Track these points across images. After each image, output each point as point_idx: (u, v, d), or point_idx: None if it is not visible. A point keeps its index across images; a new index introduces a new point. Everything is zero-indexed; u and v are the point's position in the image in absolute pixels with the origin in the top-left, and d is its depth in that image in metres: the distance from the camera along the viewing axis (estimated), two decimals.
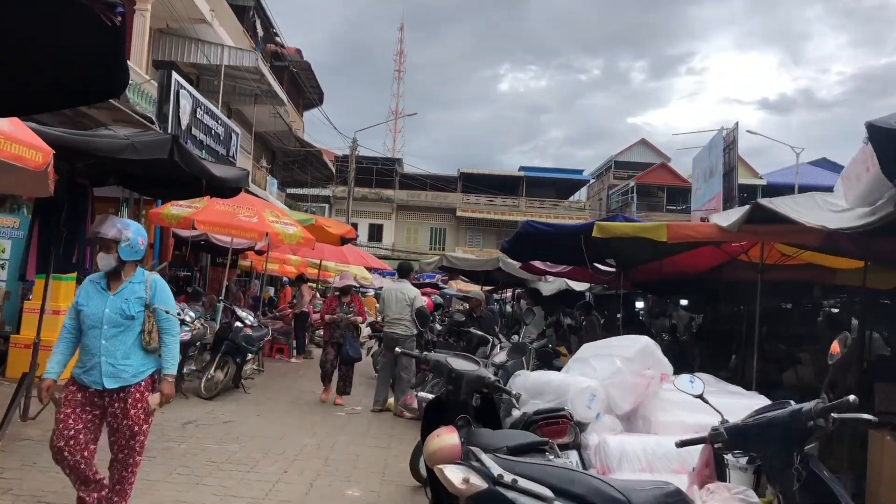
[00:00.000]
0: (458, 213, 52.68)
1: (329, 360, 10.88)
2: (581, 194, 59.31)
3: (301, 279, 16.99)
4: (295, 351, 16.42)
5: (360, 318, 10.99)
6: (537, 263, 12.46)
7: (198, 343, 10.33)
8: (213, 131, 16.23)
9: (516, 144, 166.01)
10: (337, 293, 11.20)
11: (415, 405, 10.14)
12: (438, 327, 12.34)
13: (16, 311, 9.33)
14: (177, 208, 11.29)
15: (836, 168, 50.35)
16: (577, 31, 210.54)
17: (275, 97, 25.70)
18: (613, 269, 10.54)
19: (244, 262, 22.65)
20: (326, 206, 51.44)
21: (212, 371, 10.15)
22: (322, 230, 13.54)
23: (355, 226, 45.26)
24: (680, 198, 52.00)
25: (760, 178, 51.04)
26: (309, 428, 8.89)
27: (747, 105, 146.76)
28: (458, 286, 26.74)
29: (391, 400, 10.34)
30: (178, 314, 9.05)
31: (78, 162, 6.54)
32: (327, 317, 10.89)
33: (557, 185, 53.81)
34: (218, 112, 16.77)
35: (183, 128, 14.17)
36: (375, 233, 52.46)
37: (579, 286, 14.52)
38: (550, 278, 14.60)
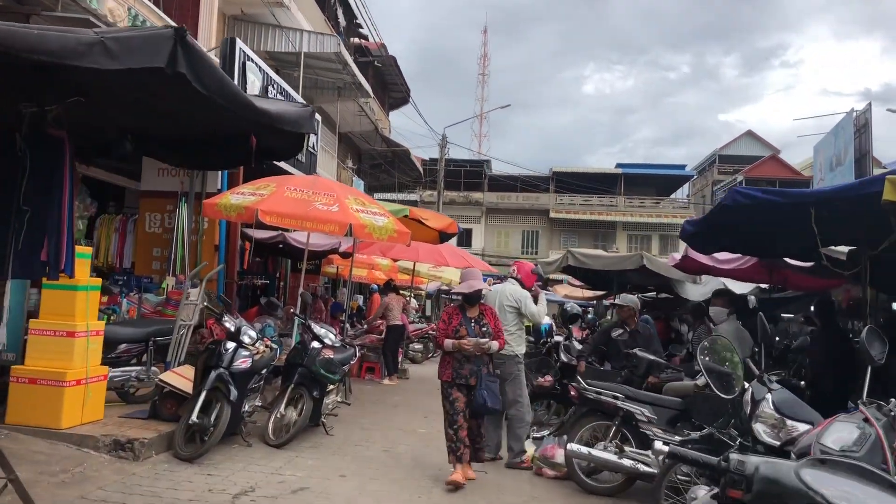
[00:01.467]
0: (552, 215, 49.50)
1: (458, 413, 6.61)
2: (682, 192, 55.13)
3: (389, 287, 14.33)
4: (387, 371, 13.75)
5: (497, 344, 6.74)
6: (701, 258, 9.35)
7: (264, 371, 7.75)
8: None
9: (603, 146, 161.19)
10: (458, 303, 7.12)
11: (560, 459, 7.39)
12: (578, 345, 9.41)
13: (19, 333, 6.90)
14: (236, 196, 8.76)
15: None
16: (663, 26, 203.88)
17: (359, 89, 23.30)
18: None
19: (329, 268, 20.35)
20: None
21: (282, 408, 7.53)
22: (416, 225, 10.83)
23: None
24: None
25: (883, 167, 46.12)
26: (415, 492, 6.15)
27: (848, 97, 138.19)
28: (566, 291, 23.69)
29: (530, 450, 7.46)
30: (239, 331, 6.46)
31: (46, 95, 3.97)
32: (448, 342, 6.62)
33: (657, 183, 49.97)
34: (295, 94, 14.33)
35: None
36: (464, 238, 49.75)
37: (740, 287, 11.33)
38: (704, 278, 11.48)
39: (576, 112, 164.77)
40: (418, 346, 17.76)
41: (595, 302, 22.49)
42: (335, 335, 8.22)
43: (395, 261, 18.63)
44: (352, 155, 30.06)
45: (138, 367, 8.04)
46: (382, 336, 14.28)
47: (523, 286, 7.70)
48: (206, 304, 7.11)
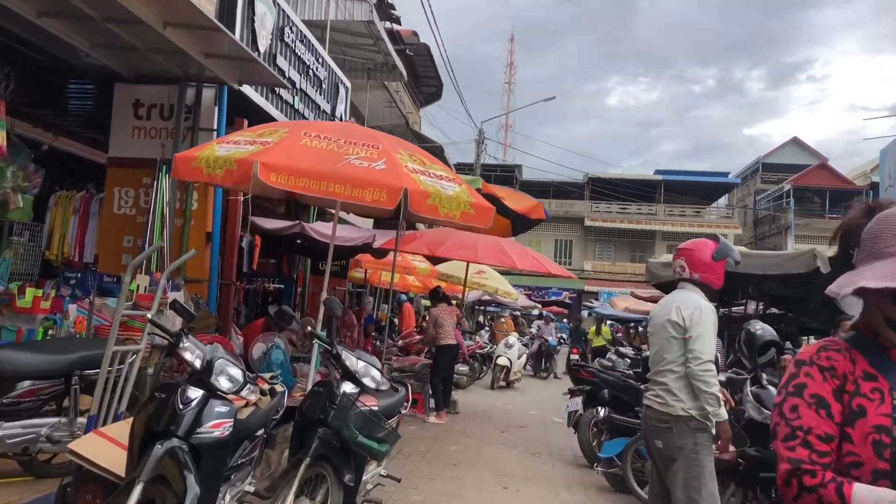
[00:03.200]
0: (587, 223, 45.96)
1: None
2: (722, 201, 51.35)
3: (438, 295, 10.89)
4: (432, 402, 10.39)
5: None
6: None
7: (260, 432, 4.39)
8: (311, 71, 10.52)
9: (627, 159, 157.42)
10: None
11: None
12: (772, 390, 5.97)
13: None
14: (225, 147, 5.51)
15: None
16: (689, 40, 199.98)
17: (392, 71, 20.07)
18: None
19: (356, 272, 17.08)
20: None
21: (289, 498, 4.16)
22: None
23: None
24: (844, 202, 43.65)
25: None
26: None
27: (875, 111, 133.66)
28: (627, 304, 20.22)
29: None
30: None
31: None
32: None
33: (699, 190, 46.29)
34: (320, 48, 11.07)
35: (261, 50, 8.44)
36: None
37: None
38: None
39: (600, 124, 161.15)
40: (463, 368, 14.38)
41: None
42: (380, 370, 4.83)
43: (436, 263, 15.30)
44: None
45: (53, 420, 4.75)
46: (427, 356, 10.95)
47: (705, 289, 4.23)
48: (150, 317, 3.82)
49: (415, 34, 27.99)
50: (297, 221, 9.94)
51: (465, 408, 11.65)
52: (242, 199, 8.49)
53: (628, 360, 13.88)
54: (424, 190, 5.31)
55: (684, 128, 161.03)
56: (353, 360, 4.58)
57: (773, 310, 12.69)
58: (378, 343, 12.46)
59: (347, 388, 4.48)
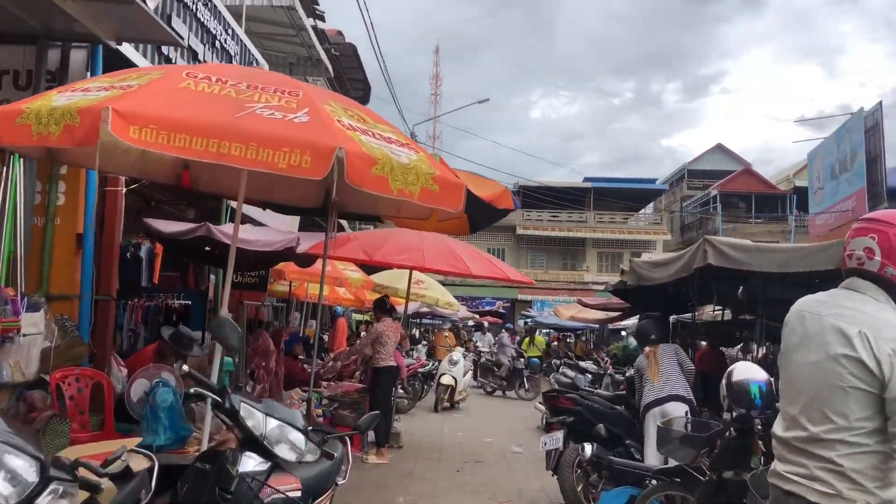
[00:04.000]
0: (519, 231, 44.75)
1: None
2: (650, 207, 51.00)
3: (384, 308, 9.03)
4: (370, 438, 8.58)
5: None
6: None
7: None
8: (218, 42, 8.63)
9: (550, 171, 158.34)
10: None
11: None
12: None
13: None
14: (65, 96, 3.66)
15: None
16: (608, 54, 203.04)
17: (317, 65, 18.28)
18: None
19: (279, 285, 15.16)
20: (371, 226, 43.83)
21: None
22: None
23: None
24: (768, 206, 43.81)
25: None
26: None
27: (784, 122, 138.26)
28: (573, 313, 18.77)
29: None
30: None
31: None
32: None
33: (628, 197, 45.70)
34: (231, 18, 9.18)
35: (149, 4, 6.51)
36: None
37: None
38: None
39: (524, 136, 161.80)
40: (401, 391, 12.59)
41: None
42: (303, 429, 3.03)
43: (370, 272, 13.50)
44: None
45: None
46: (365, 381, 9.15)
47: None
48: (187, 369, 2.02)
49: (340, 34, 26.15)
50: (203, 223, 8.00)
51: (410, 439, 9.86)
52: (124, 190, 6.57)
53: (589, 376, 12.36)
54: (368, 154, 3.55)
55: (605, 139, 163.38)
56: (258, 419, 2.78)
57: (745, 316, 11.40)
58: (307, 366, 10.61)
59: (250, 463, 2.68)
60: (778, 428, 2.44)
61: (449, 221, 7.12)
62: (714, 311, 13.75)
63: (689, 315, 15.86)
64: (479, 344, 19.50)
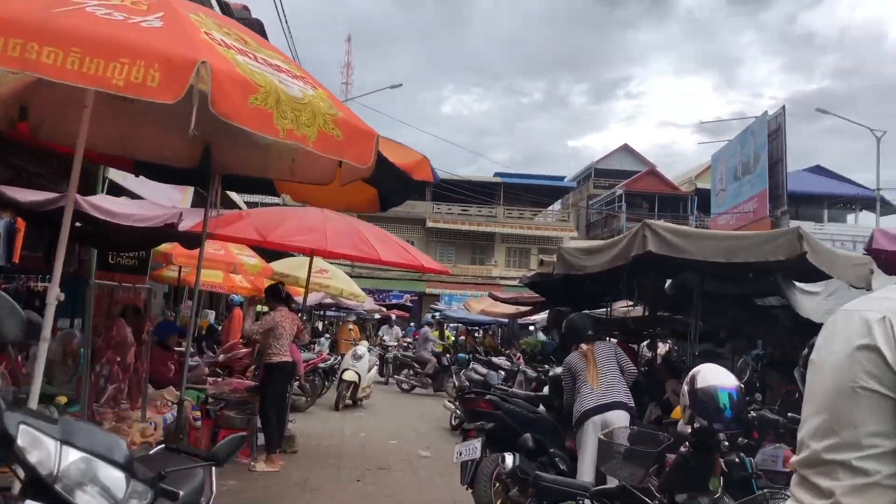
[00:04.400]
0: (429, 224, 44.01)
1: None
2: (558, 204, 51.25)
3: (278, 296, 7.93)
4: (266, 444, 7.52)
5: None
6: None
7: None
8: None
9: (461, 166, 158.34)
10: None
11: None
12: None
13: None
14: None
15: (829, 175, 43.98)
16: (519, 54, 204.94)
17: None
18: None
19: (168, 271, 13.84)
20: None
21: None
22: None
23: None
24: (670, 207, 44.69)
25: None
26: None
27: (683, 128, 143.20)
28: (484, 307, 18.07)
29: None
30: None
31: None
32: None
33: (537, 193, 45.69)
34: None
35: None
36: None
37: None
38: (835, 283, 6.24)
39: (435, 131, 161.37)
40: (297, 388, 11.54)
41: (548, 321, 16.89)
42: (123, 456, 2.06)
43: (271, 259, 12.38)
44: None
45: None
46: (258, 378, 8.09)
47: None
48: None
49: (246, 8, 24.59)
50: (65, 193, 6.72)
51: (306, 442, 8.86)
52: None
53: (502, 373, 11.63)
54: (245, 77, 2.59)
55: (514, 138, 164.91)
56: (48, 451, 1.79)
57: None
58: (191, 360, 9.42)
59: None
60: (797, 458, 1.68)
61: (356, 196, 6.20)
62: (627, 306, 13.31)
63: (601, 311, 15.49)
64: (385, 338, 18.52)
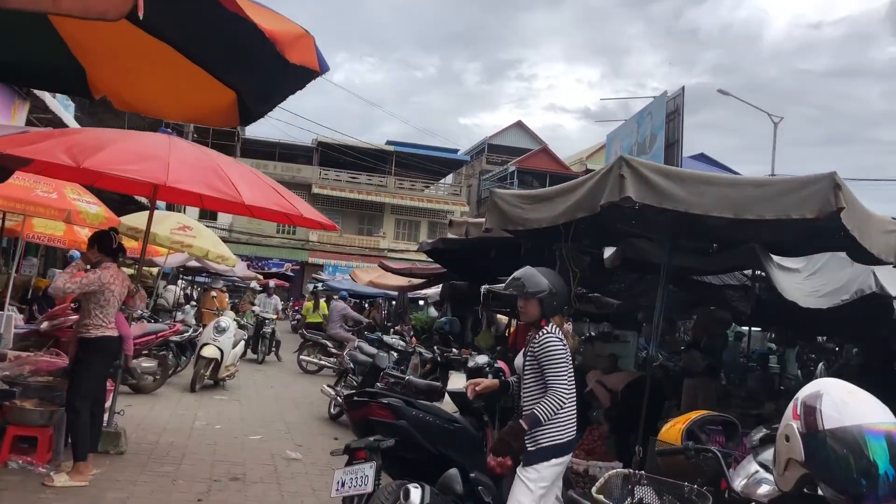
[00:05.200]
0: (315, 190, 41.50)
1: None
2: (450, 177, 49.78)
3: (105, 245, 5.72)
4: (72, 446, 5.44)
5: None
6: None
7: None
8: None
9: (351, 136, 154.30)
10: None
11: None
12: None
13: None
14: None
15: (713, 164, 44.70)
16: (415, 26, 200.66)
17: None
18: None
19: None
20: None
21: None
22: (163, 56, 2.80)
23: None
24: (559, 184, 44.13)
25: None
26: None
27: (571, 113, 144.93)
28: (373, 278, 16.21)
29: None
30: None
31: None
32: None
33: (430, 165, 44.00)
34: None
35: None
36: (209, 211, 40.05)
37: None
38: (819, 260, 4.89)
39: (325, 100, 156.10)
40: (149, 364, 9.37)
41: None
42: None
43: (122, 212, 10.10)
44: None
45: None
46: (70, 357, 5.95)
47: None
48: None
49: None
50: None
51: (141, 437, 6.83)
52: None
53: (395, 354, 9.86)
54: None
55: (407, 112, 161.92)
56: None
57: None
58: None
59: None
60: None
61: (205, 102, 4.29)
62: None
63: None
64: (258, 308, 16.19)
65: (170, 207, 19.54)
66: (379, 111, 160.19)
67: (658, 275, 6.70)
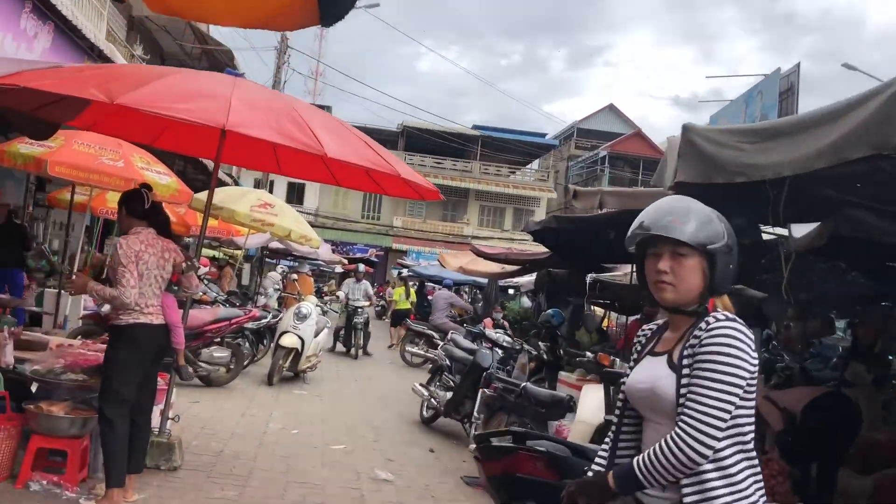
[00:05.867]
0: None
1: None
2: (537, 163, 47.83)
3: (136, 205, 4.45)
4: (105, 465, 4.22)
5: None
6: None
7: None
8: None
9: (439, 117, 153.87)
10: None
11: None
12: None
13: None
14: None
15: None
16: (500, 13, 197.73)
17: None
18: None
19: (65, 194, 10.72)
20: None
21: None
22: None
23: (271, 185, 32.59)
24: (653, 171, 41.68)
25: None
26: None
27: (659, 100, 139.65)
28: (464, 263, 14.84)
29: None
30: None
31: None
32: None
33: (517, 150, 42.24)
34: None
35: None
36: (296, 194, 39.67)
37: None
38: None
39: (410, 89, 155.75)
40: (221, 354, 8.24)
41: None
42: None
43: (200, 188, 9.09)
44: (151, 52, 19.47)
45: None
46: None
47: None
48: None
49: None
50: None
51: (203, 443, 5.67)
52: None
53: (499, 352, 8.39)
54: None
55: (490, 99, 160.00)
56: None
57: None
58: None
59: None
60: None
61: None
62: (632, 270, 10.31)
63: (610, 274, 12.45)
64: (346, 293, 14.33)
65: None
66: (463, 99, 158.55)
67: (851, 259, 5.09)
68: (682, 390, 1.82)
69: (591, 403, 4.89)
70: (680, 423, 1.76)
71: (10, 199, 10.66)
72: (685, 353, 1.86)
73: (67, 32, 8.38)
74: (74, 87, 3.87)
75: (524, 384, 5.51)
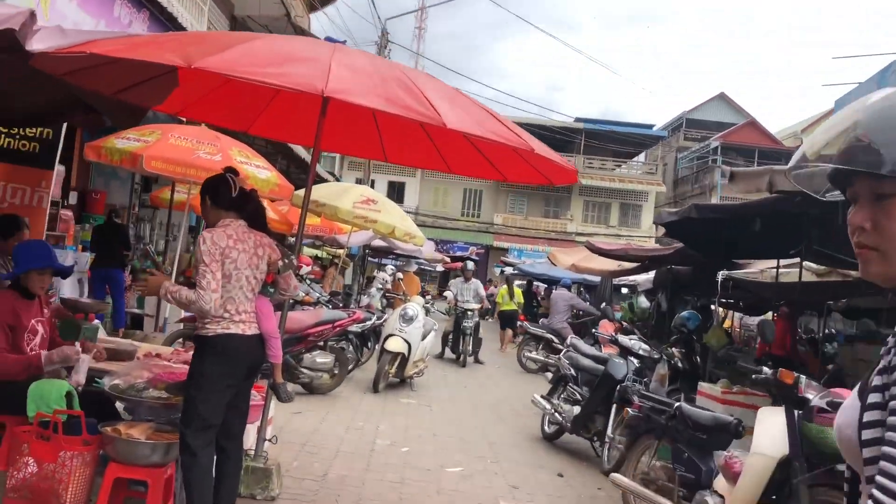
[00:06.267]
0: None
1: None
2: (643, 156, 45.82)
3: (222, 193, 3.78)
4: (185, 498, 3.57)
5: None
6: None
7: None
8: None
9: (544, 108, 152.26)
10: None
11: None
12: None
13: None
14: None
15: None
16: (599, 5, 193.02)
17: None
18: None
19: (164, 193, 10.50)
20: (337, 156, 38.42)
21: None
22: None
23: (372, 183, 32.37)
24: (769, 162, 39.02)
25: None
26: None
27: (777, 84, 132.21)
28: (576, 261, 13.84)
29: None
30: None
31: None
32: None
33: (623, 142, 40.54)
34: None
35: None
36: (396, 192, 39.50)
37: None
38: None
39: (509, 83, 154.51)
40: (325, 360, 7.63)
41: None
42: None
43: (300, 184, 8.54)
44: None
45: None
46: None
47: None
48: None
49: None
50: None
51: (305, 463, 5.01)
52: None
53: (634, 362, 7.33)
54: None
55: (592, 92, 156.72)
56: None
57: None
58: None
59: None
60: None
61: None
62: (777, 267, 9.10)
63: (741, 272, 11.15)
64: (455, 294, 13.29)
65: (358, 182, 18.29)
66: (557, 94, 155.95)
67: None
68: (868, 432, 1.07)
69: (771, 430, 3.90)
70: (874, 492, 1.01)
71: (115, 200, 10.52)
72: (880, 366, 1.11)
73: (164, 22, 7.99)
74: (148, 51, 3.23)
75: (679, 403, 4.56)
